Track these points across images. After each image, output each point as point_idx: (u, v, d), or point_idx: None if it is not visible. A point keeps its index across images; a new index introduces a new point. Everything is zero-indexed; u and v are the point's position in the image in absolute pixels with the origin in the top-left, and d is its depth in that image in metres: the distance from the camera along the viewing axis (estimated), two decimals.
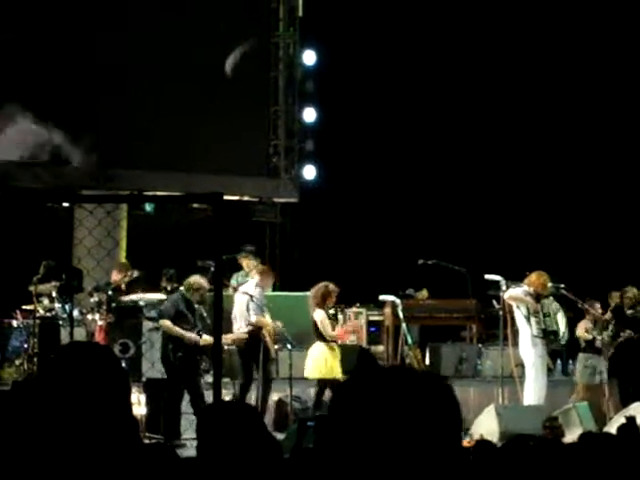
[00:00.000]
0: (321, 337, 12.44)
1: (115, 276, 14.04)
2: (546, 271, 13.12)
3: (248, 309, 12.41)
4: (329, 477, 2.10)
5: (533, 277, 13.05)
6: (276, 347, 13.23)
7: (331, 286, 12.60)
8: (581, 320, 14.15)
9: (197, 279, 12.08)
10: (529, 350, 12.88)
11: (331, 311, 12.74)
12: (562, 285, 13.50)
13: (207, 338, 11.62)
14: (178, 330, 11.80)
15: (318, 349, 12.42)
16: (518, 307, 12.91)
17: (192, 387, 11.65)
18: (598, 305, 14.05)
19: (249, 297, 12.48)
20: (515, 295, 12.95)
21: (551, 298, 13.12)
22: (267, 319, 12.53)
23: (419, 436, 2.05)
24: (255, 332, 12.38)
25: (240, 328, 12.54)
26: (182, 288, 12.27)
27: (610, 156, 18.30)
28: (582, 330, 13.95)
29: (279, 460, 3.80)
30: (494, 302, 13.88)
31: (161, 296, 13.99)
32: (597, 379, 13.56)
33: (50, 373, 2.85)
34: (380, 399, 2.07)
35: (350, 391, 2.11)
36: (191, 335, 11.81)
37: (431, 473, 2.05)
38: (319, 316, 12.48)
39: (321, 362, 12.26)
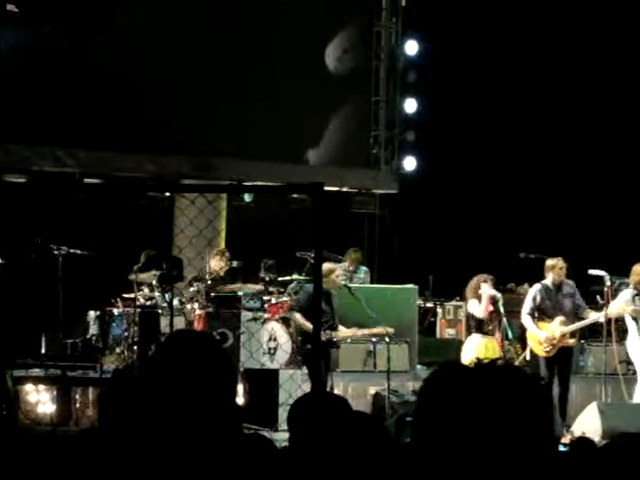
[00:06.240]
0: (477, 329, 12.34)
1: (214, 264, 14.10)
2: None
3: None
4: (423, 473, 2.06)
5: (637, 268, 12.77)
6: (373, 340, 13.19)
7: (481, 278, 12.50)
8: None
9: (326, 265, 11.34)
10: (637, 350, 12.62)
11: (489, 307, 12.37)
12: None
13: (343, 330, 12.00)
14: (308, 326, 11.18)
15: (472, 341, 12.33)
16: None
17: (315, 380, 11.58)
18: None
19: None
20: (617, 312, 12.70)
21: None
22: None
23: (507, 432, 2.00)
24: None
25: None
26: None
27: None
28: None
29: (386, 444, 3.72)
30: (598, 297, 13.62)
31: (259, 287, 14.04)
32: None
33: (162, 359, 2.82)
34: (465, 394, 2.03)
35: (436, 386, 2.08)
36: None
37: (522, 471, 2.00)
38: (472, 307, 12.41)
39: (472, 354, 12.02)
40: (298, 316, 11.95)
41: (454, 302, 16.06)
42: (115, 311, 13.75)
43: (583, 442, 6.22)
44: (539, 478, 2.01)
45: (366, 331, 12.61)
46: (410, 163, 18.70)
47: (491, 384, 2.03)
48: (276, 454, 3.63)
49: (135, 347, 13.00)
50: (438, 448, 2.02)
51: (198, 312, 13.45)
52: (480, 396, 2.02)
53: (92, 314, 13.96)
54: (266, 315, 13.45)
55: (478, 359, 2.10)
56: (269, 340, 13.21)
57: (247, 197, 16.88)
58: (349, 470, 3.58)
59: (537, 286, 12.67)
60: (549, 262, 12.75)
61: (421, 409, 2.08)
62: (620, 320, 12.90)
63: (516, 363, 12.34)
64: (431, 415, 2.05)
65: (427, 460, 2.04)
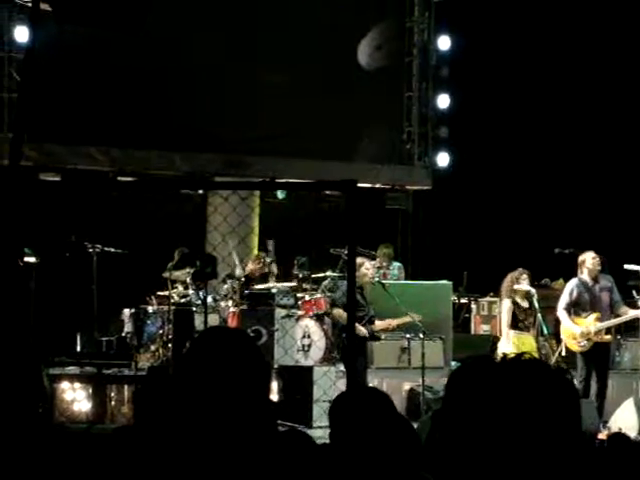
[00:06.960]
0: (513, 326, 12.37)
1: (251, 267, 14.12)
2: None
3: None
4: (450, 468, 2.06)
5: None
6: (408, 336, 13.21)
7: (515, 274, 12.51)
8: None
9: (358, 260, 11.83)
10: None
11: (524, 303, 12.50)
12: None
13: (380, 323, 12.42)
14: None
15: (508, 338, 12.36)
16: None
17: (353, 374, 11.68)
18: None
19: None
20: None
21: None
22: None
23: (532, 426, 1.99)
24: None
25: None
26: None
27: None
28: None
29: (416, 445, 3.71)
30: (634, 292, 13.53)
31: (292, 285, 14.06)
32: None
33: (196, 356, 2.82)
34: (490, 388, 2.03)
35: (461, 380, 2.09)
36: (361, 329, 11.84)
37: (548, 465, 1.99)
38: (503, 306, 12.53)
39: (508, 351, 12.02)
40: (341, 311, 12.04)
41: (488, 298, 16.00)
42: (149, 309, 13.79)
43: (620, 438, 6.18)
44: (567, 472, 2.00)
45: (398, 321, 12.77)
46: (443, 159, 18.63)
47: (516, 378, 2.03)
48: (316, 449, 3.62)
49: (169, 345, 13.04)
50: (463, 442, 2.02)
51: (232, 309, 13.47)
52: (505, 390, 2.02)
53: (127, 312, 14.02)
54: (300, 312, 13.46)
55: (504, 354, 2.10)
56: (303, 337, 13.22)
57: (280, 194, 16.88)
58: (384, 467, 3.56)
59: (574, 280, 12.59)
60: (579, 258, 12.70)
61: (447, 403, 2.09)
62: None
63: (552, 359, 12.30)
64: (457, 409, 2.05)
65: (453, 454, 2.04)
